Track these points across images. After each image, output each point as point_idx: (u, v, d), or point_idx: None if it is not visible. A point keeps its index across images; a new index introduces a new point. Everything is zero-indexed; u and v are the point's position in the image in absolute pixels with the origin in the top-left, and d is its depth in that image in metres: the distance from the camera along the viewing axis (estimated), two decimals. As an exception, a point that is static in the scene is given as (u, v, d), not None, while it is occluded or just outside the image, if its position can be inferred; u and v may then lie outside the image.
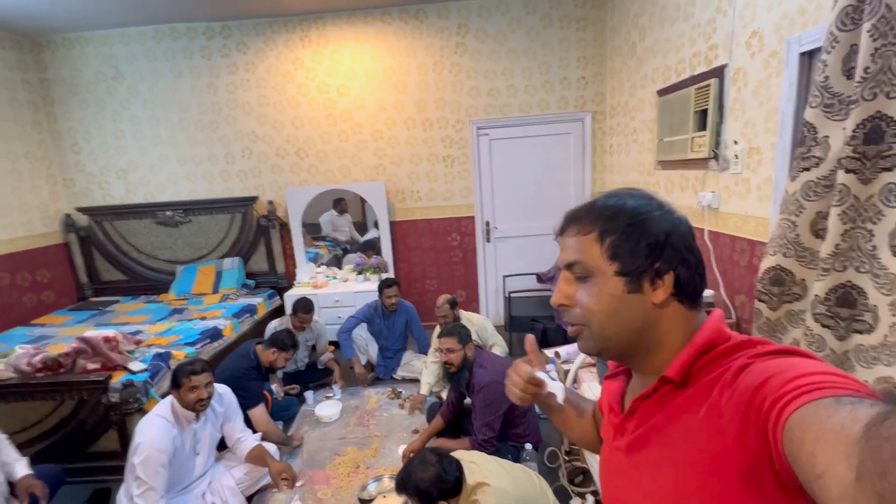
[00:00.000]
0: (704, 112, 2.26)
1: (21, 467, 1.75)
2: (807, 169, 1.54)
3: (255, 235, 3.93)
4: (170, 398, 1.86)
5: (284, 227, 3.94)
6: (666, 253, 0.55)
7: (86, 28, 3.60)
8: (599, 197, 0.61)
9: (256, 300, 3.62)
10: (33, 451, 2.19)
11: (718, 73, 2.16)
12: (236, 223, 3.91)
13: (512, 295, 3.68)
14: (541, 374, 0.73)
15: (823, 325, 1.55)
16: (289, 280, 3.99)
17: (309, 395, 2.94)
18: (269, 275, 4.00)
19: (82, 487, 2.17)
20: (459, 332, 2.03)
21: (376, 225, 3.92)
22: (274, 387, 2.81)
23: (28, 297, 3.54)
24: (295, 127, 3.81)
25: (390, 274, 3.86)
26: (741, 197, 2.07)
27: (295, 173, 3.90)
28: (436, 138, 3.81)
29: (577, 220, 0.60)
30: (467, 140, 3.81)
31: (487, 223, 3.99)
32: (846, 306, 1.50)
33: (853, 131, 1.35)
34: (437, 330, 2.64)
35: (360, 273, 3.84)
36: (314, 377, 3.16)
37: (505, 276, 3.93)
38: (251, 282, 3.92)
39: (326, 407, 2.76)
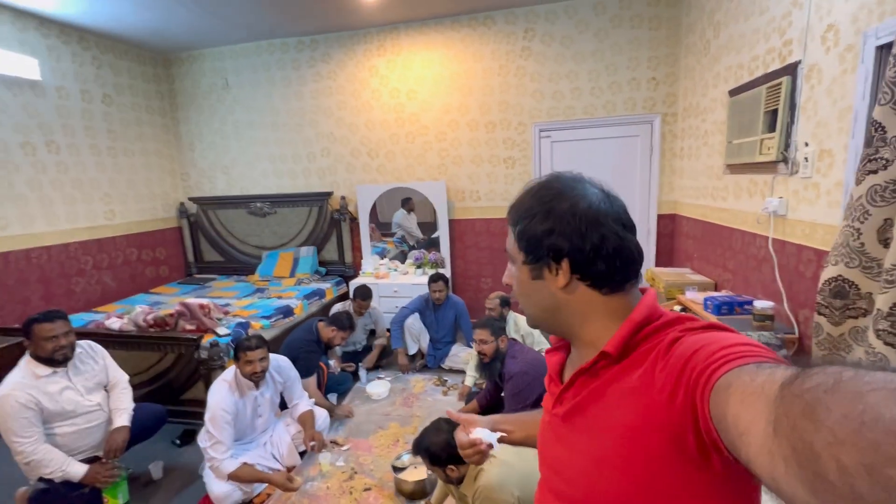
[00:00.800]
0: (775, 112, 2.12)
1: (120, 418, 2.01)
2: (874, 171, 1.42)
3: (328, 227, 4.34)
4: (233, 367, 2.15)
5: (354, 221, 4.29)
6: (557, 240, 0.58)
7: (204, 46, 4.26)
8: (525, 185, 0.66)
9: (325, 285, 4.00)
10: (140, 393, 2.67)
11: (791, 70, 2.01)
12: (313, 216, 4.35)
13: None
14: (475, 433, 0.79)
15: (886, 343, 1.41)
16: (355, 269, 4.34)
17: (363, 373, 3.20)
18: (338, 264, 4.39)
19: (175, 427, 2.62)
20: (493, 325, 2.13)
21: (438, 227, 4.12)
22: (332, 362, 3.11)
23: (149, 269, 4.27)
24: (367, 129, 4.14)
25: (447, 269, 4.03)
26: (810, 203, 1.91)
27: (366, 172, 4.24)
28: (497, 140, 3.91)
29: (509, 210, 0.66)
30: (529, 142, 3.86)
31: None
32: (914, 324, 1.35)
33: (923, 130, 1.23)
34: None
35: (419, 267, 4.06)
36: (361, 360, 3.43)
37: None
38: (322, 269, 4.33)
39: (377, 385, 3.00)
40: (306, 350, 2.64)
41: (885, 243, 1.43)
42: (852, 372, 0.28)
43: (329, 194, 4.29)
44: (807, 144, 1.93)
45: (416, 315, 3.39)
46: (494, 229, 4.07)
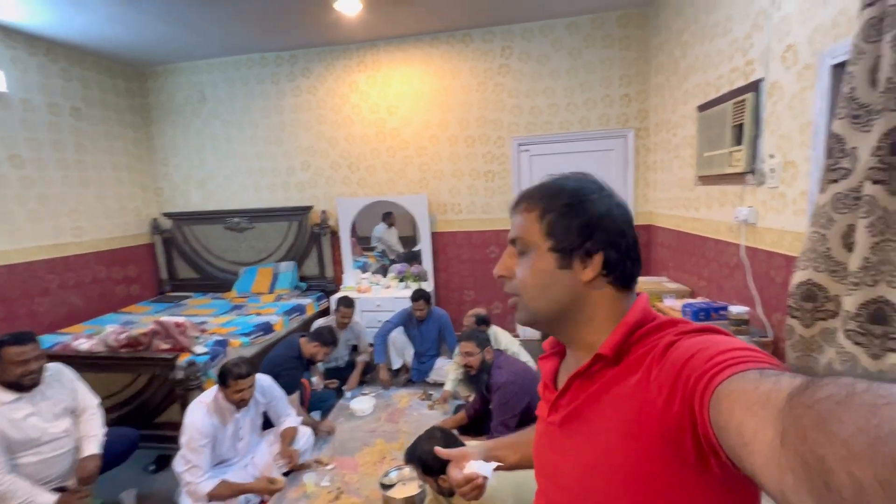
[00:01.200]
0: (741, 126, 2.24)
1: (90, 445, 1.90)
2: (835, 181, 1.51)
3: (308, 242, 4.28)
4: (215, 390, 2.05)
5: (335, 235, 4.25)
6: (597, 234, 0.58)
7: (180, 60, 4.20)
8: (548, 179, 0.65)
9: (306, 301, 3.93)
10: (112, 417, 2.54)
11: (755, 87, 2.14)
12: (293, 230, 4.29)
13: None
14: (469, 468, 0.77)
15: (856, 343, 1.48)
16: (336, 284, 4.28)
17: (347, 394, 3.13)
18: (319, 278, 4.32)
19: (148, 452, 2.49)
20: (477, 337, 2.13)
21: (420, 241, 4.12)
22: (314, 379, 3.04)
23: (120, 288, 4.10)
24: (348, 143, 4.14)
25: (430, 282, 4.02)
26: (777, 212, 2.01)
27: (346, 185, 4.23)
28: (477, 154, 3.98)
29: (526, 198, 0.64)
30: (508, 156, 3.94)
31: (526, 237, 4.05)
32: (879, 323, 1.43)
33: (878, 142, 1.33)
34: None
35: (401, 280, 4.04)
36: (351, 374, 3.36)
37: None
38: (303, 284, 4.26)
39: (361, 402, 2.94)
40: (288, 367, 2.57)
41: (850, 248, 1.52)
42: (865, 384, 0.27)
43: (309, 208, 4.24)
44: (772, 156, 2.04)
45: (401, 328, 3.36)
46: (476, 242, 4.10)
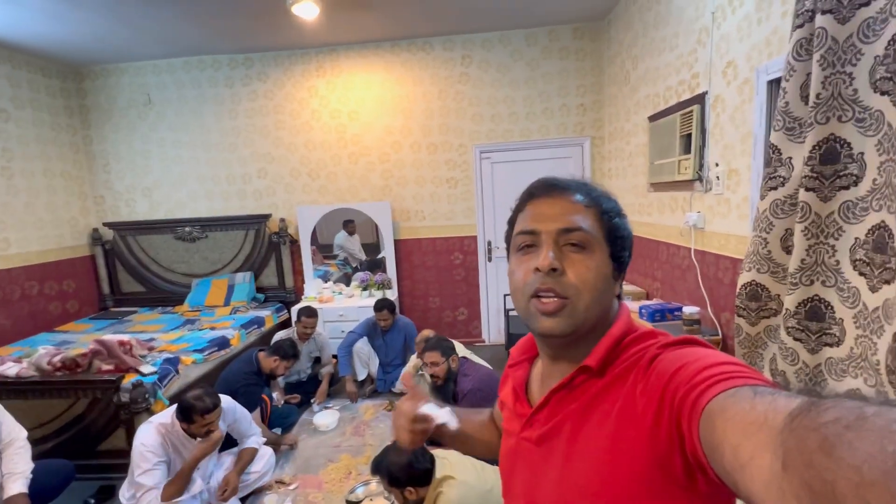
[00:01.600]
0: (689, 136, 2.37)
1: (15, 484, 1.72)
2: (774, 188, 1.62)
3: (266, 251, 4.12)
4: (170, 414, 1.89)
5: (294, 244, 4.12)
6: (629, 249, 0.59)
7: (122, 60, 3.94)
8: (575, 178, 0.61)
9: (265, 313, 3.77)
10: (47, 447, 2.32)
11: (700, 99, 2.28)
12: (249, 239, 4.11)
13: (511, 313, 3.74)
14: (426, 408, 0.70)
15: (795, 339, 1.59)
16: (297, 295, 4.14)
17: (316, 408, 3.02)
18: (278, 289, 4.16)
19: (89, 484, 2.28)
20: (441, 346, 2.12)
21: (383, 249, 4.07)
22: (275, 395, 2.91)
23: (54, 305, 3.77)
24: (308, 149, 4.04)
25: (394, 290, 3.97)
26: (723, 216, 2.14)
27: (306, 193, 4.11)
28: (440, 161, 3.99)
29: (576, 189, 0.58)
30: (470, 163, 3.97)
31: (489, 243, 4.10)
32: (815, 320, 1.55)
33: (810, 152, 1.44)
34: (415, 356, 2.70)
35: (364, 289, 3.97)
36: (315, 388, 3.25)
37: (506, 295, 4.00)
38: (261, 296, 4.08)
39: (324, 416, 2.84)
40: (245, 383, 2.45)
41: (788, 251, 1.63)
42: (874, 408, 0.26)
43: (267, 216, 4.08)
44: (717, 165, 2.17)
45: (365, 339, 3.29)
46: (441, 248, 4.10)
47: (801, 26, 1.46)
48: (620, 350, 0.54)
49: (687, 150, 2.39)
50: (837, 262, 1.46)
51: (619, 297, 0.60)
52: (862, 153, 1.36)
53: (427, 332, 3.00)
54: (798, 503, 0.27)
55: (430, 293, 4.18)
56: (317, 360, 3.39)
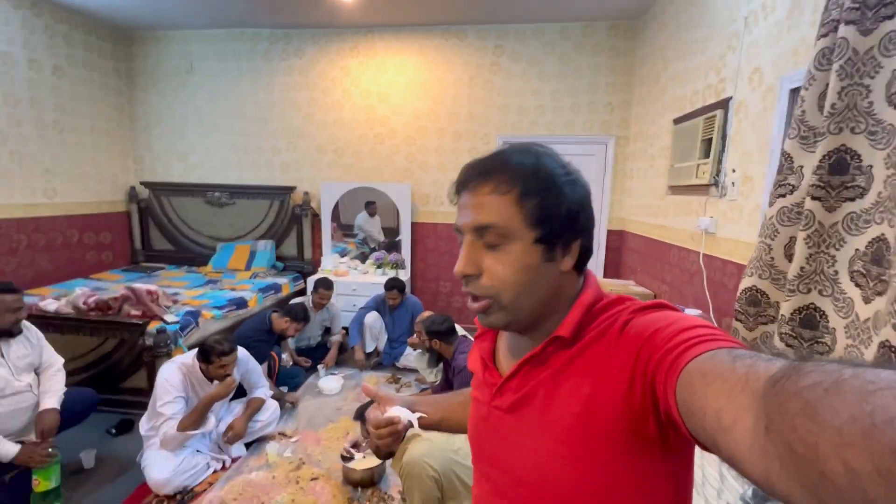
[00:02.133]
0: (710, 141, 2.37)
1: (50, 400, 1.90)
2: (783, 196, 1.64)
3: (289, 222, 4.29)
4: (191, 356, 2.06)
5: (316, 217, 4.27)
6: (581, 219, 0.54)
7: (170, 27, 4.14)
8: (508, 150, 0.55)
9: (282, 280, 3.95)
10: (76, 379, 2.53)
11: (724, 104, 2.27)
12: (274, 209, 4.29)
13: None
14: (392, 411, 0.70)
15: (787, 345, 1.62)
16: (314, 266, 4.30)
17: (322, 371, 3.18)
18: (297, 259, 4.33)
19: (112, 416, 2.49)
20: (428, 329, 2.29)
21: (400, 232, 4.18)
22: (284, 355, 3.07)
23: (91, 254, 4.03)
24: (336, 127, 4.16)
25: (406, 271, 4.09)
26: (734, 222, 2.15)
27: (332, 169, 4.25)
28: (463, 149, 4.05)
29: (490, 175, 0.53)
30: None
31: (504, 233, 4.14)
32: (809, 327, 1.57)
33: (819, 161, 1.45)
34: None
35: (378, 267, 4.09)
36: (323, 355, 3.40)
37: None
38: (280, 264, 4.26)
39: (329, 381, 2.99)
40: (257, 339, 2.61)
41: (790, 258, 1.65)
42: (852, 370, 0.26)
43: (292, 189, 4.25)
44: (734, 171, 2.17)
45: (377, 314, 3.41)
46: (456, 235, 4.17)
47: (825, 35, 1.46)
48: (591, 317, 0.54)
49: (706, 154, 2.39)
50: (836, 272, 1.48)
51: (577, 267, 0.56)
52: (871, 166, 1.37)
53: (427, 314, 3.09)
54: (781, 464, 0.28)
55: (442, 277, 4.28)
56: (327, 330, 3.54)
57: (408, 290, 3.62)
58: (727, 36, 2.28)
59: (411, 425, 0.72)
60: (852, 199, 1.42)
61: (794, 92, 1.77)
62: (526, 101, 3.91)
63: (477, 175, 0.54)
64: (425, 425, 0.75)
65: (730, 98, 2.23)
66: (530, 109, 3.92)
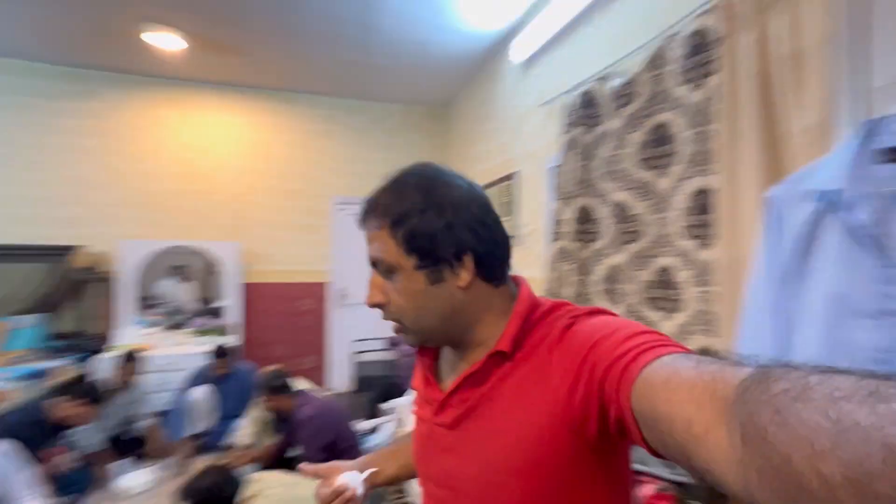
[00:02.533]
0: (509, 203, 3.05)
1: None
2: (555, 240, 2.25)
3: (68, 291, 3.46)
4: None
5: (108, 283, 3.56)
6: (459, 233, 0.53)
7: None
8: (389, 182, 0.57)
9: (58, 363, 3.10)
10: None
11: (513, 177, 2.99)
12: (44, 275, 3.41)
13: (360, 355, 3.84)
14: (339, 480, 0.69)
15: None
16: (106, 342, 3.51)
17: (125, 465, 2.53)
18: (77, 336, 3.47)
19: None
20: (271, 386, 2.23)
21: (224, 296, 3.81)
22: (67, 456, 2.37)
23: None
24: (145, 180, 3.69)
25: (237, 336, 3.71)
26: (529, 265, 2.77)
27: (136, 225, 3.68)
28: (297, 208, 4.07)
29: (371, 211, 0.56)
30: (327, 212, 4.15)
31: (341, 290, 4.21)
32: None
33: (572, 215, 2.09)
34: None
35: (202, 335, 3.60)
36: (120, 449, 2.73)
37: (355, 341, 4.10)
38: (59, 343, 3.34)
39: (132, 477, 2.43)
40: (25, 434, 2.00)
41: (567, 286, 2.24)
42: (818, 377, 0.26)
43: (71, 249, 3.47)
44: (526, 225, 2.84)
45: (205, 388, 2.97)
46: (291, 294, 4.05)
47: (566, 132, 2.17)
48: (530, 325, 0.54)
49: (509, 213, 3.06)
50: (589, 291, 2.09)
51: (487, 277, 0.55)
52: (601, 218, 2.04)
53: (269, 369, 2.90)
54: (759, 475, 0.27)
55: (276, 340, 4.02)
56: (127, 420, 2.89)
57: (237, 356, 3.28)
58: (509, 129, 3.06)
59: (357, 491, 0.69)
60: (593, 241, 2.08)
61: (553, 169, 2.51)
62: (357, 166, 4.23)
63: (364, 212, 0.58)
64: (381, 481, 0.74)
65: (517, 172, 2.95)
66: (362, 174, 4.24)
